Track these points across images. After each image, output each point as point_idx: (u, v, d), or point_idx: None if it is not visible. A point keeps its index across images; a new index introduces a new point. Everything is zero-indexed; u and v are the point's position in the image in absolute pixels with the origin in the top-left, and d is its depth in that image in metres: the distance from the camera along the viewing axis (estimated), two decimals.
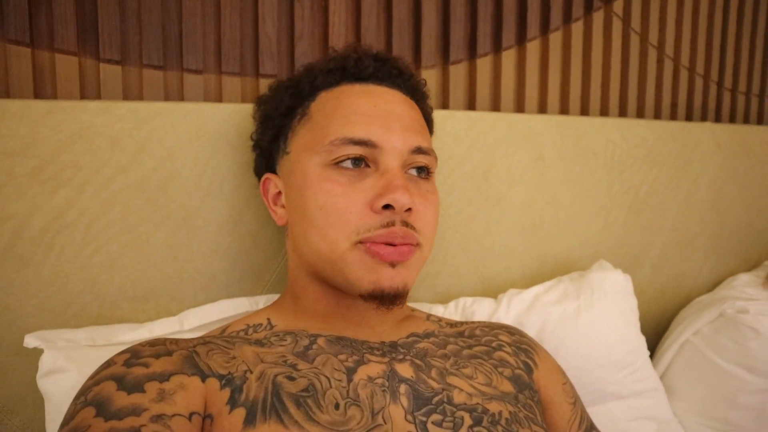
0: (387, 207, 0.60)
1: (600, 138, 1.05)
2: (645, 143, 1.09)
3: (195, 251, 0.78)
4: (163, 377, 0.50)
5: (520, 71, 1.08)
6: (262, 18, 0.88)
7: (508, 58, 1.06)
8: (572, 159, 1.02)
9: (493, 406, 0.59)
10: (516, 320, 0.87)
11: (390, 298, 0.61)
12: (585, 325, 0.86)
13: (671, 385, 0.99)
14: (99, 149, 0.72)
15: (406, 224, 0.61)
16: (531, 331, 0.85)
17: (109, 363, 0.53)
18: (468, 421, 0.56)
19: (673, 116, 1.27)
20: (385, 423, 0.53)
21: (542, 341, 0.84)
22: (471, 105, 1.04)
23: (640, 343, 0.92)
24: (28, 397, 0.71)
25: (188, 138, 0.76)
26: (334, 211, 0.60)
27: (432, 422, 0.55)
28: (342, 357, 0.59)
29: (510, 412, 0.59)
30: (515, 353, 0.69)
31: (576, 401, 0.71)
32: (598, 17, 1.14)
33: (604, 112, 1.17)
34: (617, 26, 1.17)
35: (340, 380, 0.56)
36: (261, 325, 0.65)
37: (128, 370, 0.51)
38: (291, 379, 0.54)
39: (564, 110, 1.13)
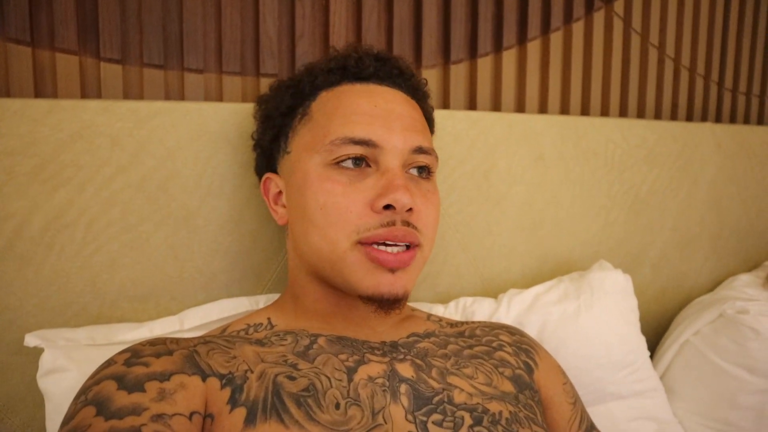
0: (388, 207, 0.60)
1: (600, 138, 1.05)
2: (645, 143, 1.09)
3: (195, 251, 0.78)
4: (164, 377, 0.50)
5: (521, 71, 1.08)
6: (262, 17, 0.88)
7: (509, 57, 1.06)
8: (573, 159, 1.02)
9: (494, 406, 0.59)
10: (516, 320, 0.87)
11: (389, 303, 0.61)
12: (585, 325, 0.86)
13: (671, 386, 0.99)
14: (99, 148, 0.72)
15: (407, 224, 0.61)
16: (531, 331, 0.85)
17: (109, 362, 0.53)
18: (468, 420, 0.56)
19: (674, 116, 1.27)
20: (386, 423, 0.53)
21: (542, 341, 0.84)
22: (471, 105, 1.04)
23: (640, 343, 0.92)
24: (28, 396, 0.71)
25: (189, 137, 0.76)
26: (335, 210, 0.60)
27: (432, 422, 0.55)
28: (342, 357, 0.59)
29: (510, 411, 0.59)
30: (516, 353, 0.69)
31: (576, 401, 0.71)
32: (598, 17, 1.14)
33: (604, 112, 1.17)
34: (618, 26, 1.17)
35: (340, 380, 0.56)
36: (261, 324, 0.65)
37: (128, 370, 0.51)
38: (291, 378, 0.54)
39: (564, 110, 1.13)
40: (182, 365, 0.52)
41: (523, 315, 0.87)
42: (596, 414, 0.83)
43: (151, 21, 0.82)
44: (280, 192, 0.69)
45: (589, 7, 1.13)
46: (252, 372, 0.54)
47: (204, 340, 0.57)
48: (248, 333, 0.64)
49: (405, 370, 0.60)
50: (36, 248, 0.70)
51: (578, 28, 1.12)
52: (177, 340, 0.56)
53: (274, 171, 0.71)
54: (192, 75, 0.85)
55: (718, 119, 1.33)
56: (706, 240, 1.18)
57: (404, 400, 0.56)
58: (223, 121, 0.78)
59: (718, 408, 0.95)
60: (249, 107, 0.78)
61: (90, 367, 0.56)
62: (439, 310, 0.88)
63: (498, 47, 1.05)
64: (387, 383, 0.57)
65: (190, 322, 0.74)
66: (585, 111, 1.15)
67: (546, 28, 1.09)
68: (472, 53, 1.03)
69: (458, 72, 1.02)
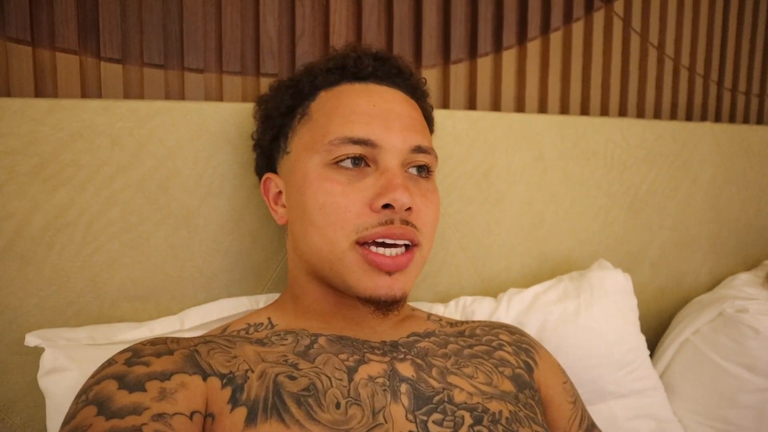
0: (387, 206, 0.60)
1: (600, 138, 1.05)
2: (645, 143, 1.09)
3: (195, 250, 0.78)
4: (165, 376, 0.50)
5: (521, 71, 1.08)
6: (263, 17, 0.88)
7: (509, 57, 1.06)
8: (572, 159, 1.02)
9: (494, 406, 0.59)
10: (516, 319, 0.87)
11: (387, 305, 0.61)
12: (585, 324, 0.87)
13: (671, 384, 0.99)
14: (100, 148, 0.72)
15: (406, 222, 0.61)
16: (531, 330, 0.85)
17: (110, 362, 0.53)
18: (468, 420, 0.56)
19: (673, 116, 1.27)
20: (386, 422, 0.53)
21: (542, 340, 0.84)
22: (471, 104, 1.04)
23: (640, 342, 0.93)
24: (28, 395, 0.71)
25: (189, 137, 0.76)
26: (334, 210, 0.60)
27: (433, 421, 0.55)
28: (343, 356, 0.59)
29: (510, 411, 0.59)
30: (516, 352, 0.69)
31: (576, 400, 0.71)
32: (598, 17, 1.14)
33: (604, 111, 1.18)
34: (618, 26, 1.17)
35: (341, 379, 0.56)
36: (262, 324, 0.65)
37: (129, 369, 0.51)
38: (292, 378, 0.54)
39: (564, 110, 1.13)
40: (183, 365, 0.52)
41: (523, 314, 0.87)
42: (596, 413, 0.83)
43: (151, 21, 0.82)
44: (280, 192, 0.69)
45: (589, 7, 1.13)
46: (253, 371, 0.54)
47: (205, 340, 0.57)
48: (249, 333, 0.64)
49: (405, 369, 0.60)
50: (36, 248, 0.70)
51: (578, 28, 1.12)
52: (178, 340, 0.56)
53: (274, 171, 0.71)
54: (192, 75, 0.85)
55: (717, 119, 1.33)
56: (705, 239, 1.18)
57: (404, 400, 0.56)
58: (223, 121, 0.78)
59: (717, 407, 0.95)
60: (249, 107, 0.78)
61: (90, 367, 0.56)
62: (439, 309, 0.88)
63: (498, 47, 1.05)
64: (387, 383, 0.57)
65: (190, 322, 0.74)
66: (585, 111, 1.15)
67: (546, 28, 1.09)
68: (472, 53, 1.03)
69: (458, 72, 1.03)
